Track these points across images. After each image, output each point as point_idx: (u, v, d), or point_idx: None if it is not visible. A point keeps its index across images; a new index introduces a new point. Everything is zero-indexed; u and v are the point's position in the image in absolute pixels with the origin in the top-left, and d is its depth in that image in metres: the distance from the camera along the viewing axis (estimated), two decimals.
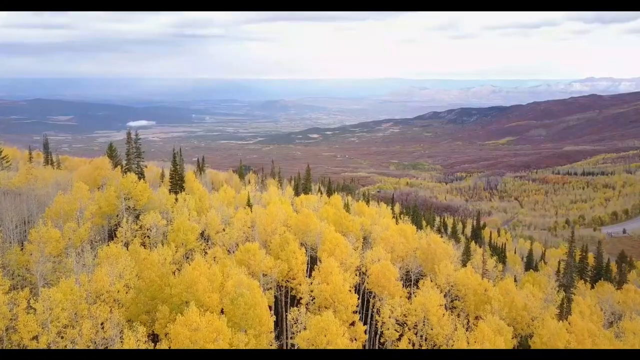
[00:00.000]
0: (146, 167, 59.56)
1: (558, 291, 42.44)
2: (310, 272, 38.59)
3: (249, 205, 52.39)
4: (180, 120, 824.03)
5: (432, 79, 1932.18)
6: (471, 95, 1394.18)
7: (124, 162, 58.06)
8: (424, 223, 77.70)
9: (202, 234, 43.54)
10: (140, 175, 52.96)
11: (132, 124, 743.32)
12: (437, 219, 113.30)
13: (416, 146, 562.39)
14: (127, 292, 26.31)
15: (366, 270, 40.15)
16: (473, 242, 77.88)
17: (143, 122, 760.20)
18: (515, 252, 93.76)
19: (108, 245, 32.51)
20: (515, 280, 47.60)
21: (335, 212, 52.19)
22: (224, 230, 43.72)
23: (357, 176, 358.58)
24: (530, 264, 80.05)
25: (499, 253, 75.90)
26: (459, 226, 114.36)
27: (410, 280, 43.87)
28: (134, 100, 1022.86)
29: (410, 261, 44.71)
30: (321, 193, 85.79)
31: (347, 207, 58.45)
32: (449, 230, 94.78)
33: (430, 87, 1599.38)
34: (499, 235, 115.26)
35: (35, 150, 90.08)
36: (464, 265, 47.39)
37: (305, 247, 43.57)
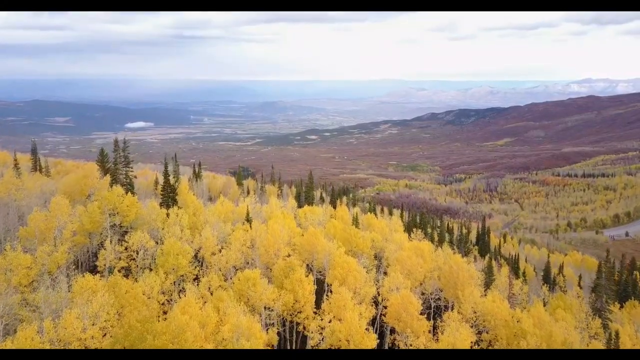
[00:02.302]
0: (135, 177, 54.08)
1: (593, 318, 38.19)
2: (318, 299, 34.22)
3: (248, 220, 47.15)
4: (178, 121, 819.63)
5: (429, 80, 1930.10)
6: (469, 96, 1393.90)
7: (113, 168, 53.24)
8: (433, 232, 72.54)
9: (196, 255, 39.12)
10: (129, 186, 48.34)
11: (130, 125, 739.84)
12: (440, 222, 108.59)
13: (415, 147, 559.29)
14: (103, 337, 22.17)
15: (383, 300, 35.45)
16: (489, 256, 72.36)
17: (141, 124, 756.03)
18: (526, 261, 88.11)
19: (83, 275, 27.88)
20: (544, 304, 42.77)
21: (344, 228, 47.56)
22: (220, 251, 38.98)
23: (356, 178, 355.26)
24: (548, 279, 74.68)
25: (513, 265, 71.20)
26: (463, 231, 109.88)
27: (430, 307, 39.37)
28: (132, 102, 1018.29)
29: (429, 285, 40.17)
30: (323, 200, 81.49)
31: (355, 221, 53.25)
32: (454, 236, 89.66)
33: (428, 88, 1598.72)
34: (504, 241, 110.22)
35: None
36: (487, 287, 42.74)
37: (311, 270, 39.07)
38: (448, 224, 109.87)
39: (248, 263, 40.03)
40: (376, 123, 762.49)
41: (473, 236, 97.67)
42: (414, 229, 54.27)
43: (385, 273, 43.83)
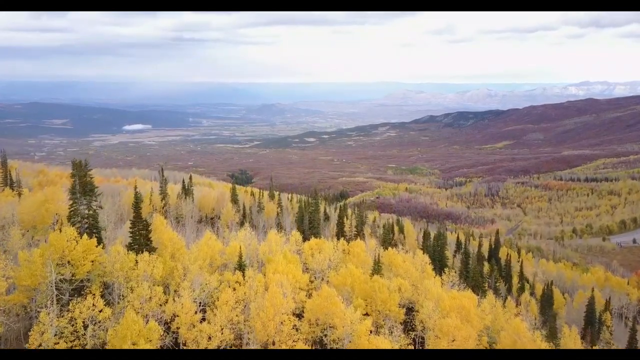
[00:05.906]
0: (101, 208, 41.20)
1: None
2: None
3: (241, 267, 36.23)
4: (176, 123, 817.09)
5: (428, 83, 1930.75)
6: (467, 98, 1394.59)
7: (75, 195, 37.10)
8: (449, 261, 64.89)
9: (169, 327, 29.25)
10: (92, 219, 36.15)
11: (128, 127, 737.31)
12: (450, 235, 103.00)
13: (413, 150, 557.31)
14: None
15: None
16: (546, 314, 62.80)
17: (139, 126, 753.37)
18: (552, 284, 78.05)
19: None
20: None
21: (364, 278, 37.84)
22: (201, 321, 29.13)
23: (355, 181, 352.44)
24: (592, 318, 64.35)
25: (546, 298, 63.99)
26: (473, 242, 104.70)
27: None
28: (130, 104, 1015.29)
29: None
30: (327, 218, 75.90)
31: (377, 264, 41.55)
32: (462, 250, 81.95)
33: (427, 91, 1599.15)
34: (519, 257, 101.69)
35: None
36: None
37: (325, 346, 31.29)
38: (458, 236, 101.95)
39: (240, 339, 30.65)
40: (374, 125, 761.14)
41: (486, 249, 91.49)
42: (446, 270, 46.22)
43: (421, 343, 35.68)
